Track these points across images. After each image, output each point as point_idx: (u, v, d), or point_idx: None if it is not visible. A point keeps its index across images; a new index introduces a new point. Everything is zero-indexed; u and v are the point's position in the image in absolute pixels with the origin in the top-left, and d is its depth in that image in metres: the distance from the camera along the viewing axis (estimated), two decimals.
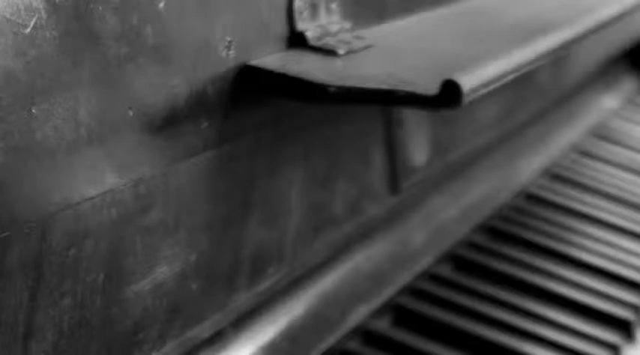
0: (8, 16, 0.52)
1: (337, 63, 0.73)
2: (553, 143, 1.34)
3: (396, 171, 0.92)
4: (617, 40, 1.56)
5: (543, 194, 1.23)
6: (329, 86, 0.67)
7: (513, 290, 0.99)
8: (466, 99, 0.64)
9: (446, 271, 1.00)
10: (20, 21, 0.52)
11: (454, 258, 1.02)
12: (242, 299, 0.73)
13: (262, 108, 0.72)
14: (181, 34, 0.64)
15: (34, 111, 0.53)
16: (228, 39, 0.68)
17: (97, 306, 0.59)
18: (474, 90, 0.65)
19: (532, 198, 1.21)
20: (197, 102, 0.65)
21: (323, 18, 0.77)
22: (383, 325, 0.89)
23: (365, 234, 0.90)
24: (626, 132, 1.52)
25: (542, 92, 1.31)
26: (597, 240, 1.15)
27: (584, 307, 1.00)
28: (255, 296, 0.75)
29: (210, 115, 0.66)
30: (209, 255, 0.69)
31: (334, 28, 0.78)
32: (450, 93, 0.64)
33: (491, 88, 0.68)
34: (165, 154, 0.63)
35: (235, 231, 0.71)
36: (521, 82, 1.17)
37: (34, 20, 0.53)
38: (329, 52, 0.74)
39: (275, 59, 0.71)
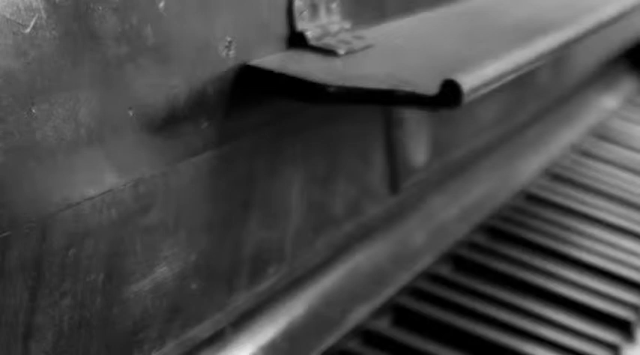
0: (8, 16, 0.52)
1: (337, 63, 0.73)
2: (553, 143, 1.34)
3: (396, 171, 0.92)
4: (617, 40, 1.56)
5: (543, 194, 1.23)
6: (329, 86, 0.67)
7: (513, 290, 0.99)
8: (466, 99, 0.64)
9: (446, 271, 1.00)
10: (20, 21, 0.52)
11: (454, 258, 1.02)
12: (242, 299, 0.73)
13: (262, 108, 0.72)
14: (181, 34, 0.64)
15: (34, 111, 0.53)
16: (228, 39, 0.68)
17: (97, 306, 0.59)
18: (474, 90, 0.65)
19: (532, 198, 1.21)
20: (197, 102, 0.65)
21: (323, 18, 0.77)
22: (383, 325, 0.89)
23: (365, 234, 0.90)
24: (626, 132, 1.52)
25: (542, 92, 1.31)
26: (597, 240, 1.15)
27: (584, 307, 1.00)
28: (255, 296, 0.75)
29: (210, 115, 0.66)
30: (209, 255, 0.69)
31: (334, 28, 0.78)
32: (450, 93, 0.64)
33: (491, 87, 0.68)
34: (165, 154, 0.63)
35: (235, 231, 0.71)
36: (521, 82, 1.17)
37: (34, 20, 0.53)
38: (329, 52, 0.74)
39: (275, 59, 0.71)
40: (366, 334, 0.87)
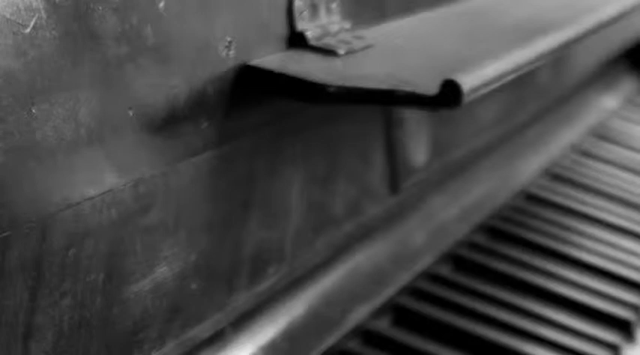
0: (8, 16, 0.52)
1: (337, 63, 0.73)
2: (553, 143, 1.34)
3: (396, 171, 0.92)
4: (617, 40, 1.56)
5: (543, 194, 1.23)
6: (329, 86, 0.67)
7: (513, 290, 0.99)
8: (466, 99, 0.64)
9: (446, 271, 1.00)
10: (20, 21, 0.52)
11: (454, 258, 1.02)
12: (242, 299, 0.73)
13: (262, 108, 0.72)
14: (181, 34, 0.64)
15: (34, 111, 0.53)
16: (228, 39, 0.68)
17: (97, 306, 0.59)
18: (474, 90, 0.65)
19: (532, 198, 1.21)
20: (197, 102, 0.65)
21: (323, 18, 0.77)
22: (383, 325, 0.89)
23: (365, 234, 0.90)
24: (626, 132, 1.52)
25: (542, 92, 1.31)
26: (597, 240, 1.15)
27: (584, 307, 1.00)
28: (255, 296, 0.75)
29: (210, 115, 0.66)
30: (209, 255, 0.69)
31: (334, 28, 0.78)
32: (450, 93, 0.64)
33: (491, 87, 0.68)
34: (165, 154, 0.63)
35: (235, 231, 0.71)
36: (521, 82, 1.17)
37: (34, 20, 0.53)
38: (329, 52, 0.74)
39: (275, 59, 0.71)
40: (366, 334, 0.87)
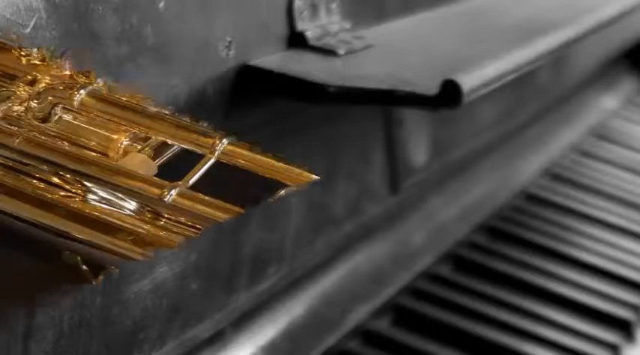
0: (8, 16, 0.52)
1: (337, 63, 0.73)
2: (553, 143, 1.34)
3: (396, 171, 0.92)
4: (617, 40, 1.56)
5: (543, 194, 1.23)
6: (329, 86, 0.67)
7: (513, 290, 0.99)
8: (466, 99, 0.64)
9: (446, 271, 1.00)
10: (20, 21, 0.52)
11: (454, 258, 1.02)
12: (242, 299, 0.73)
13: (262, 108, 0.72)
14: (181, 34, 0.64)
15: None
16: (228, 39, 0.68)
17: (97, 306, 0.59)
18: (474, 90, 0.65)
19: (532, 198, 1.21)
20: (197, 102, 0.65)
21: (323, 18, 0.77)
22: (383, 325, 0.89)
23: (365, 234, 0.90)
24: (626, 132, 1.52)
25: (542, 92, 1.31)
26: (597, 240, 1.15)
27: (584, 307, 1.00)
28: (255, 296, 0.75)
29: (210, 115, 0.66)
30: (209, 255, 0.69)
31: (334, 28, 0.78)
32: (450, 93, 0.64)
33: (491, 87, 0.68)
34: None
35: (235, 231, 0.71)
36: (521, 82, 1.17)
37: (34, 20, 0.53)
38: (329, 52, 0.74)
39: (275, 59, 0.71)
40: (366, 334, 0.87)
